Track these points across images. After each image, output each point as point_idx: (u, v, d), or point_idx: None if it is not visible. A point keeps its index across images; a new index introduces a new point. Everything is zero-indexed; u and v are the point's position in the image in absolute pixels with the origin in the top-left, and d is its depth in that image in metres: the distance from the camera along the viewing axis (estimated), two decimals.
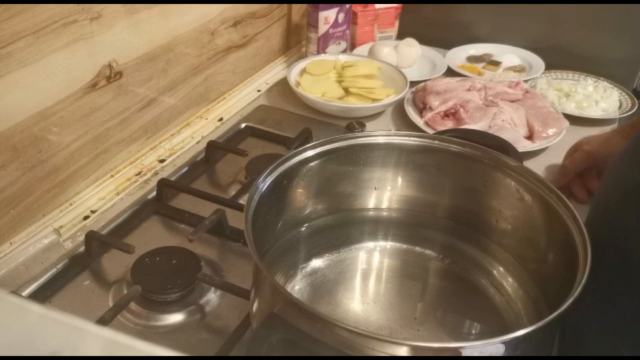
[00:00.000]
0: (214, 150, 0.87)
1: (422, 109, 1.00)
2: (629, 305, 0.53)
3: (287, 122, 0.98)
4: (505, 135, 0.88)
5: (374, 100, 1.00)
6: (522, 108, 0.97)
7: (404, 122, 1.00)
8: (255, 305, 0.52)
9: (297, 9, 1.18)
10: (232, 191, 0.80)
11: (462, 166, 0.64)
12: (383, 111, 1.03)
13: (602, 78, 1.12)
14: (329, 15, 1.12)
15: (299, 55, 1.21)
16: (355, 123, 0.95)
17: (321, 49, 1.15)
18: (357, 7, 1.20)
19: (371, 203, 0.69)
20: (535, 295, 0.59)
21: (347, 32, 1.17)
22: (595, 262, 0.48)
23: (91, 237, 0.68)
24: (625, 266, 0.52)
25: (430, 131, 0.94)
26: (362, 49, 1.20)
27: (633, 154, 0.57)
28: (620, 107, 1.06)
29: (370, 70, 1.07)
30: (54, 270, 0.66)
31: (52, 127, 0.69)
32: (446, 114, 0.96)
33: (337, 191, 0.67)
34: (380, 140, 0.65)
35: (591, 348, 0.56)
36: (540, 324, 0.43)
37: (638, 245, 0.52)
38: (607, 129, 0.99)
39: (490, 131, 0.91)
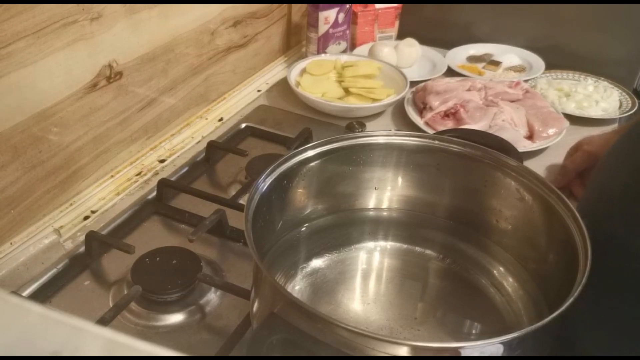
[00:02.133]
0: (214, 150, 0.87)
1: (422, 109, 1.00)
2: (614, 309, 0.53)
3: (287, 122, 0.98)
4: (505, 135, 0.88)
5: (374, 100, 1.00)
6: (522, 108, 0.97)
7: (404, 122, 1.00)
8: (256, 305, 0.52)
9: (297, 9, 1.18)
10: (232, 191, 0.80)
11: (462, 166, 0.64)
12: (383, 111, 1.03)
13: (602, 78, 1.12)
14: (329, 15, 1.12)
15: (299, 55, 1.21)
16: (356, 123, 0.95)
17: (321, 49, 1.15)
18: (357, 7, 1.20)
19: (371, 203, 0.69)
20: (536, 295, 0.59)
21: (347, 32, 1.17)
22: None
23: (91, 237, 0.68)
24: (610, 270, 0.52)
25: (430, 131, 0.94)
26: (362, 49, 1.20)
27: (616, 159, 0.57)
28: (620, 107, 1.06)
29: (370, 70, 1.07)
30: (54, 271, 0.66)
31: (52, 128, 0.69)
32: (446, 114, 0.96)
33: (337, 191, 0.67)
34: (381, 140, 0.65)
35: (578, 349, 0.56)
36: (540, 324, 0.43)
37: (623, 250, 0.52)
38: (607, 128, 0.99)
39: (491, 131, 0.91)
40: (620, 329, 0.53)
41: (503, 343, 0.43)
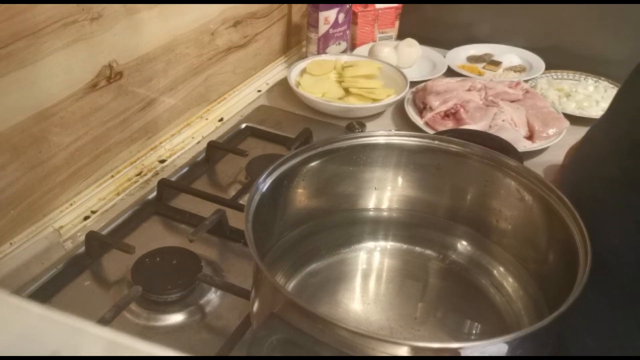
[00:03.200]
0: (215, 150, 0.87)
1: (422, 109, 1.00)
2: (594, 303, 0.53)
3: (287, 122, 0.98)
4: (505, 135, 0.88)
5: (374, 100, 1.00)
6: (522, 108, 0.97)
7: (404, 122, 1.00)
8: (256, 305, 0.52)
9: (297, 9, 1.18)
10: (233, 191, 0.80)
11: (462, 166, 0.64)
12: (383, 111, 1.03)
13: (602, 78, 1.12)
14: (329, 16, 1.12)
15: (299, 56, 1.21)
16: (356, 123, 0.95)
17: (321, 49, 1.15)
18: (357, 7, 1.20)
19: (371, 203, 0.69)
20: (536, 295, 0.59)
21: (347, 32, 1.17)
22: None
23: (91, 237, 0.68)
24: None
25: (431, 131, 0.94)
26: (363, 49, 1.20)
27: (581, 151, 0.58)
28: None
29: (370, 71, 1.07)
30: (54, 271, 0.66)
31: (52, 127, 0.69)
32: (446, 114, 0.96)
33: (337, 191, 0.67)
34: (381, 140, 0.65)
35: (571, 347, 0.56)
36: (540, 324, 0.43)
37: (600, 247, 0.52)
38: None
39: (491, 131, 0.91)
40: (606, 327, 0.53)
41: (504, 343, 0.43)
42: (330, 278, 0.63)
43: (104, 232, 0.71)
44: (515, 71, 1.16)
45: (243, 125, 0.95)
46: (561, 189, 0.57)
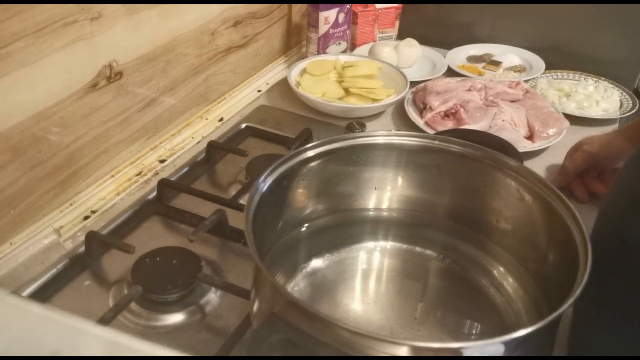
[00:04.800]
0: (215, 150, 0.87)
1: (422, 109, 1.00)
2: (633, 312, 0.52)
3: (288, 122, 0.98)
4: (505, 135, 0.88)
5: (374, 100, 1.00)
6: (522, 108, 0.97)
7: (404, 122, 1.00)
8: (256, 305, 0.52)
9: (297, 9, 1.18)
10: (233, 191, 0.80)
11: (462, 166, 0.64)
12: (383, 111, 1.03)
13: (602, 78, 1.12)
14: (329, 16, 1.12)
15: (299, 56, 1.21)
16: (356, 123, 0.95)
17: (321, 49, 1.15)
18: (357, 7, 1.20)
19: (371, 203, 0.69)
20: (536, 295, 0.59)
21: (348, 32, 1.17)
22: (604, 274, 0.48)
23: (91, 237, 0.68)
24: (634, 278, 0.51)
25: (431, 131, 0.94)
26: (363, 49, 1.20)
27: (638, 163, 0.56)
28: (621, 107, 1.06)
29: (370, 71, 1.07)
30: (54, 271, 0.66)
31: (52, 127, 0.69)
32: (446, 114, 0.96)
33: (337, 191, 0.67)
34: (380, 140, 0.65)
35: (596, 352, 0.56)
36: (540, 324, 0.43)
37: None
38: (607, 129, 0.99)
39: (491, 131, 0.91)
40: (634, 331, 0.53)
41: (504, 343, 0.43)
42: (330, 278, 0.63)
43: (104, 232, 0.71)
44: (515, 71, 1.16)
45: (243, 125, 0.95)
46: (614, 190, 0.56)
